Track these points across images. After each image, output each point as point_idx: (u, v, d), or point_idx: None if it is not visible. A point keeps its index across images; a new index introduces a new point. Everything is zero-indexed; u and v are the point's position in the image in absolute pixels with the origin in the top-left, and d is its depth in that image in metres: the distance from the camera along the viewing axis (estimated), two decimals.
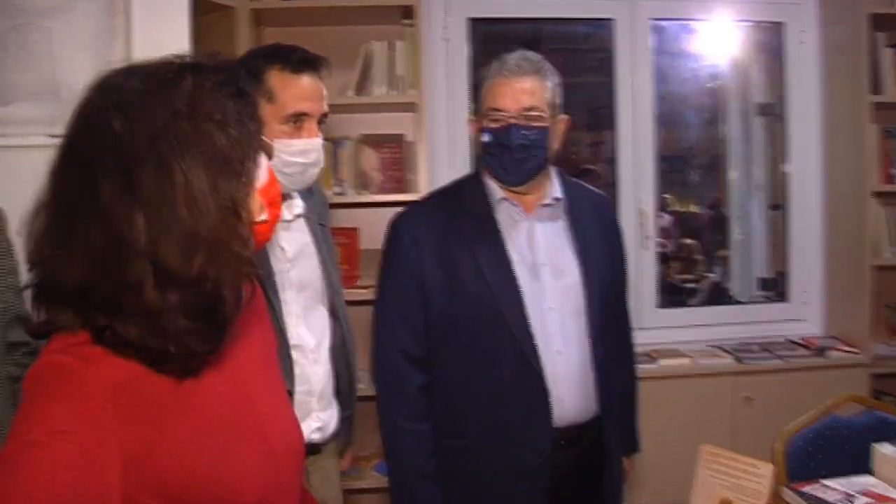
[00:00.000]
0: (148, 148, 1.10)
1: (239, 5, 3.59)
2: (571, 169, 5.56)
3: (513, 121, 2.23)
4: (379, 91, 3.75)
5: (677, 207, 6.23)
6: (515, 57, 2.29)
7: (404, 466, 2.30)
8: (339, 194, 3.79)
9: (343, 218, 3.86)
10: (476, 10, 4.13)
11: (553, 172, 2.39)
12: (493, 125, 2.25)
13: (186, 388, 1.18)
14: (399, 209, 2.45)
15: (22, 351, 2.33)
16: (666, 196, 6.20)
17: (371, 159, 3.83)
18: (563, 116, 2.35)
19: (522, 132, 2.23)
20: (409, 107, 3.77)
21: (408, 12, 3.72)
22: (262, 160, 1.24)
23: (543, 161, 2.29)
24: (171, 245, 1.09)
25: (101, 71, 1.17)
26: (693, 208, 6.31)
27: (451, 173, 3.57)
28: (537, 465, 2.23)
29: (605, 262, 2.37)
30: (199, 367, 1.18)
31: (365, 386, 2.75)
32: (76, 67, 2.64)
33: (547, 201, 2.33)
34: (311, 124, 2.19)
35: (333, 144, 3.77)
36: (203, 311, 1.13)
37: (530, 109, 2.24)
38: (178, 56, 1.21)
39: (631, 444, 2.58)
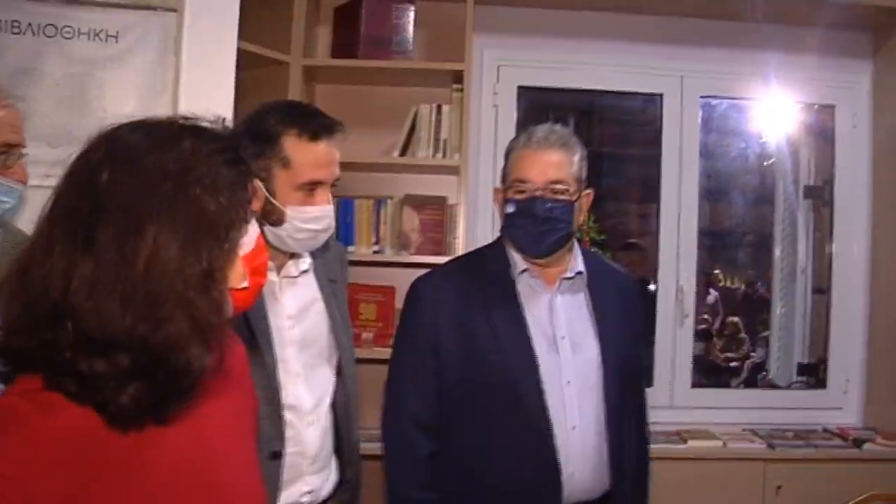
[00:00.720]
0: (124, 205, 1.11)
1: (292, 61, 3.66)
2: (618, 241, 5.56)
3: (538, 193, 2.22)
4: (424, 153, 3.78)
5: (728, 284, 6.18)
6: (543, 129, 2.30)
7: None
8: (378, 252, 3.80)
9: (380, 276, 3.87)
10: (527, 78, 4.17)
11: (576, 246, 2.38)
12: (519, 196, 2.25)
13: (144, 445, 1.17)
14: None
15: None
16: (717, 271, 6.15)
17: (412, 220, 3.84)
18: (588, 191, 2.35)
19: (547, 205, 2.22)
20: (453, 170, 3.79)
21: (458, 77, 3.76)
22: (252, 228, 1.25)
23: (567, 234, 2.28)
24: (113, 304, 1.09)
25: (113, 121, 1.21)
26: (739, 286, 6.25)
27: (491, 238, 3.57)
28: None
29: (623, 339, 2.34)
30: (154, 425, 1.17)
31: (374, 445, 2.72)
32: (125, 117, 2.67)
33: (569, 274, 2.32)
34: (325, 191, 2.15)
35: (375, 203, 3.81)
36: (143, 375, 1.12)
37: (556, 182, 2.23)
38: (184, 116, 1.24)
39: None
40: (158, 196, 1.13)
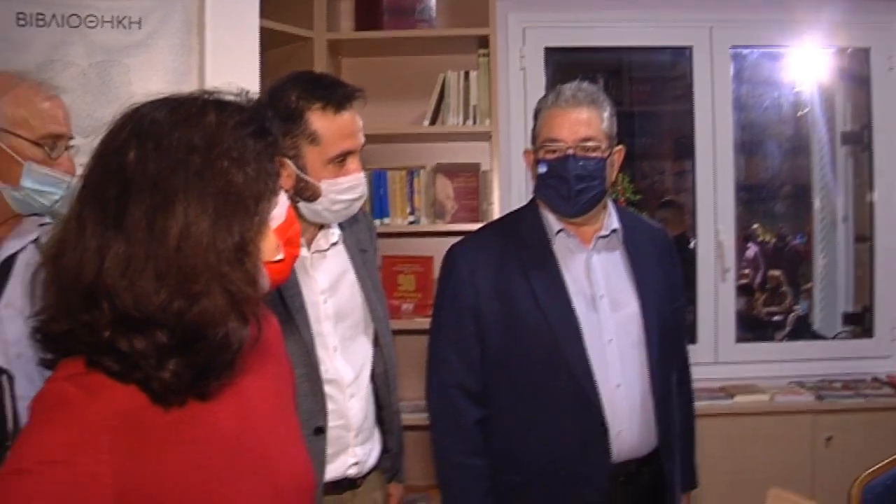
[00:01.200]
0: (153, 182, 1.12)
1: (316, 36, 3.64)
2: (654, 200, 5.51)
3: (570, 151, 2.20)
4: (454, 120, 3.76)
5: (767, 238, 6.11)
6: (571, 87, 2.27)
7: (460, 503, 2.28)
8: (413, 223, 3.80)
9: (417, 247, 3.88)
10: (553, 39, 4.12)
11: (610, 203, 2.36)
12: (550, 156, 2.23)
13: (189, 421, 1.18)
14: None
15: None
16: (755, 226, 6.09)
17: (446, 188, 3.83)
18: (619, 147, 2.32)
19: (580, 163, 2.20)
20: (484, 136, 3.77)
21: (483, 42, 3.73)
22: (281, 199, 1.25)
23: (601, 192, 2.25)
24: (147, 281, 1.10)
25: (136, 101, 1.21)
26: (779, 239, 6.18)
27: (525, 202, 3.56)
28: (596, 502, 2.19)
29: (663, 294, 2.32)
30: (198, 402, 1.18)
31: (416, 416, 2.72)
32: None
33: (604, 232, 2.29)
34: (355, 160, 2.13)
35: (408, 173, 3.80)
36: (182, 350, 1.13)
37: (587, 140, 2.21)
38: (207, 91, 1.24)
39: (689, 481, 2.50)
40: (186, 171, 1.13)
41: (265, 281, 1.22)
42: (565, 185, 2.21)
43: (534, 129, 2.33)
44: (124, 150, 1.15)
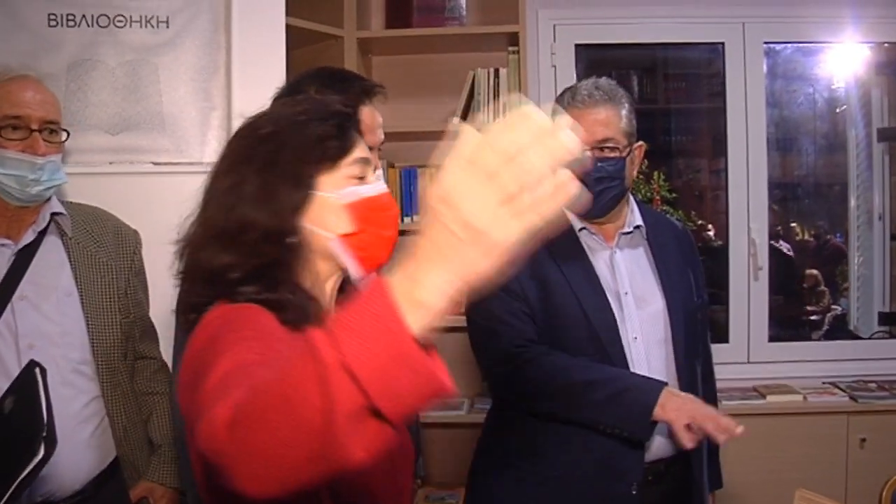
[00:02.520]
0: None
1: (346, 34, 3.65)
2: (690, 198, 5.46)
3: (587, 154, 2.15)
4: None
5: (805, 237, 6.03)
6: (588, 85, 2.24)
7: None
8: None
9: None
10: (584, 36, 4.10)
11: (632, 200, 2.34)
12: None
13: None
14: None
15: (153, 368, 2.44)
16: (793, 224, 6.01)
17: None
18: (640, 143, 2.29)
19: (599, 164, 2.17)
20: None
21: (514, 39, 3.72)
22: (367, 183, 1.42)
23: (622, 192, 2.23)
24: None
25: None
26: (817, 237, 6.09)
27: None
28: (629, 498, 2.16)
29: (687, 291, 2.30)
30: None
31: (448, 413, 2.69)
32: (180, 100, 2.76)
33: (627, 229, 2.28)
34: (374, 156, 2.04)
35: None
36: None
37: (605, 141, 2.18)
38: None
39: (715, 481, 2.47)
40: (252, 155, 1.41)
41: (339, 252, 1.37)
42: (584, 188, 2.17)
43: None
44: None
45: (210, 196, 1.38)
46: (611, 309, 2.18)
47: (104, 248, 2.33)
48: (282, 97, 2.02)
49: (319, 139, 1.37)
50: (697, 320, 2.35)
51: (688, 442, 2.01)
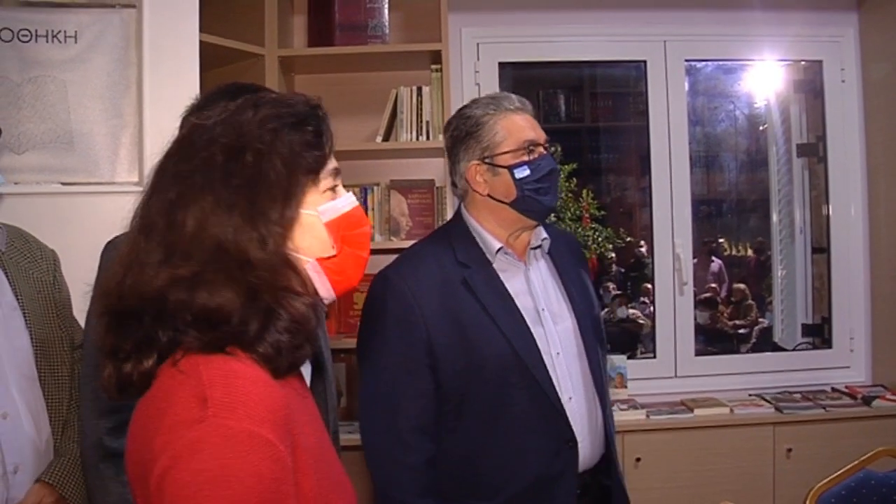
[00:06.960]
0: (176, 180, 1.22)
1: (268, 53, 3.61)
2: (617, 215, 5.52)
3: (542, 150, 2.20)
4: (407, 136, 3.73)
5: (734, 252, 6.13)
6: (508, 95, 2.26)
7: None
8: None
9: (371, 264, 3.79)
10: (507, 54, 4.11)
11: None
12: (532, 157, 2.17)
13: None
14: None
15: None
16: (721, 240, 6.11)
17: (400, 205, 3.80)
18: None
19: (551, 157, 2.21)
20: (438, 152, 3.73)
21: (437, 57, 3.71)
22: (343, 198, 1.31)
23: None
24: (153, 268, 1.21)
25: None
26: (741, 252, 6.20)
27: None
28: None
29: (587, 303, 2.31)
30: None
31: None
32: (89, 117, 2.67)
33: (536, 243, 2.26)
34: None
35: (362, 190, 3.77)
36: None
37: (545, 140, 2.22)
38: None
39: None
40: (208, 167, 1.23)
41: (314, 276, 1.27)
42: (548, 180, 2.18)
43: (486, 138, 2.19)
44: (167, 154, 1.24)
45: (159, 217, 1.18)
46: (531, 333, 2.14)
47: (35, 264, 2.31)
48: (192, 114, 1.98)
49: (301, 147, 1.24)
50: (601, 330, 2.35)
51: None
